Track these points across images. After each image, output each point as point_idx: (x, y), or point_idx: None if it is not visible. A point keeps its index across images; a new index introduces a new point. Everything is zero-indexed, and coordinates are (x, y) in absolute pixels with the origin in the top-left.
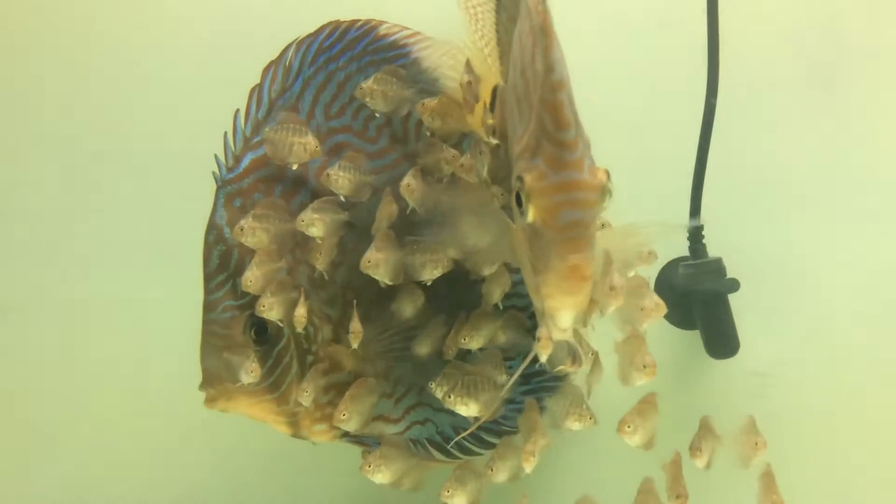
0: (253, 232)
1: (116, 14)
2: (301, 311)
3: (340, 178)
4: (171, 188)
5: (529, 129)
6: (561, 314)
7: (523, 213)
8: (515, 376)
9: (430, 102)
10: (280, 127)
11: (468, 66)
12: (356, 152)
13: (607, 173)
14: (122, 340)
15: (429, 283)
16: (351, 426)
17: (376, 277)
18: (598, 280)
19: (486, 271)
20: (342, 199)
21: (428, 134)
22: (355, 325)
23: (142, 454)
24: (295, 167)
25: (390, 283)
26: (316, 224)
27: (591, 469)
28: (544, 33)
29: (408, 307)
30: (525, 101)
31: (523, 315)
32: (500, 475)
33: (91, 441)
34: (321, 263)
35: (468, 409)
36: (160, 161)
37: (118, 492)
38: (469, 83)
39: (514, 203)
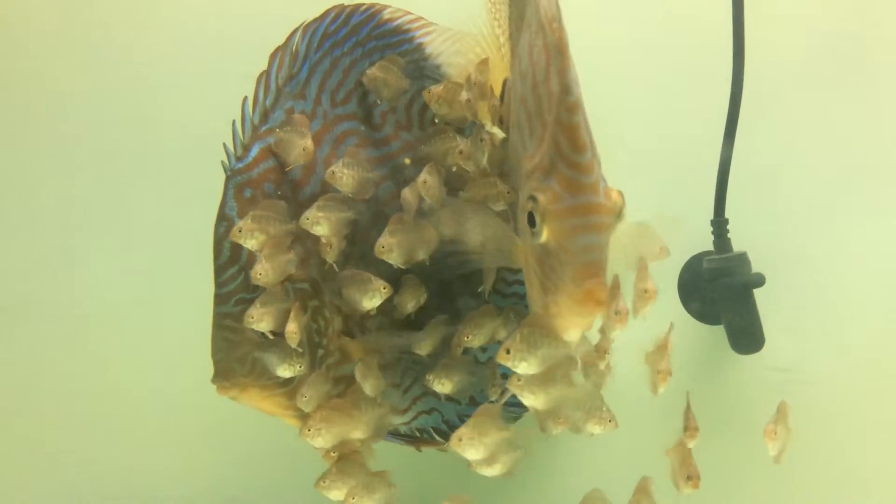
0: (251, 234)
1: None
2: (293, 327)
3: (345, 176)
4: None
5: (543, 149)
6: (570, 332)
7: (536, 234)
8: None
9: (437, 89)
10: (288, 128)
11: (481, 67)
12: (357, 147)
13: (621, 195)
14: (132, 338)
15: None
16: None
17: (390, 262)
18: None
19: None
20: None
21: (435, 121)
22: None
23: (161, 448)
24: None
25: (403, 266)
26: (321, 222)
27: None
28: (560, 53)
29: (410, 302)
30: (538, 119)
31: (524, 309)
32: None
33: (109, 436)
34: (331, 256)
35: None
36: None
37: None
38: (475, 83)
39: (524, 221)
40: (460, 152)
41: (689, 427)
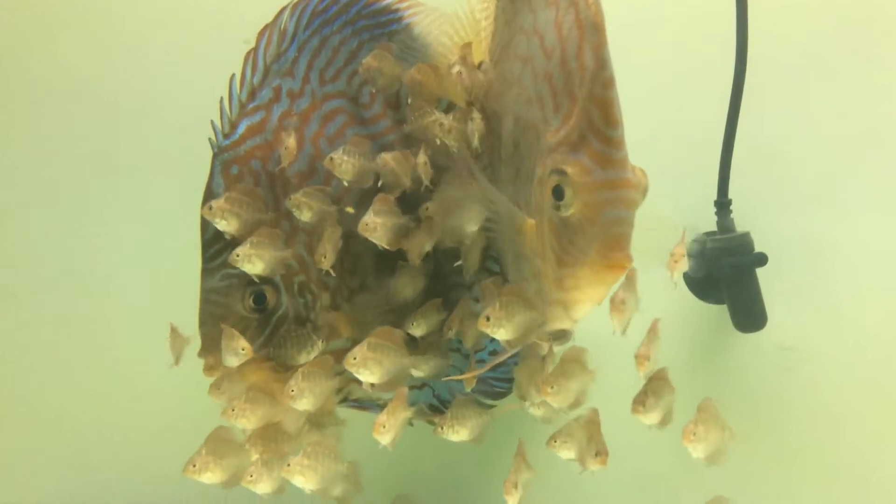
0: (222, 214)
1: None
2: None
3: (344, 164)
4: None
5: (571, 123)
6: (581, 307)
7: (563, 206)
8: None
9: (409, 72)
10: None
11: (463, 55)
12: (345, 126)
13: (644, 173)
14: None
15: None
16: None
17: (374, 241)
18: None
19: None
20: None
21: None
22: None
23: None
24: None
25: (388, 247)
26: (303, 208)
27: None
28: (596, 29)
29: (408, 289)
30: (565, 94)
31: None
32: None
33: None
34: (326, 264)
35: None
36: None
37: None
38: (459, 73)
39: (541, 196)
40: (441, 125)
41: (601, 452)
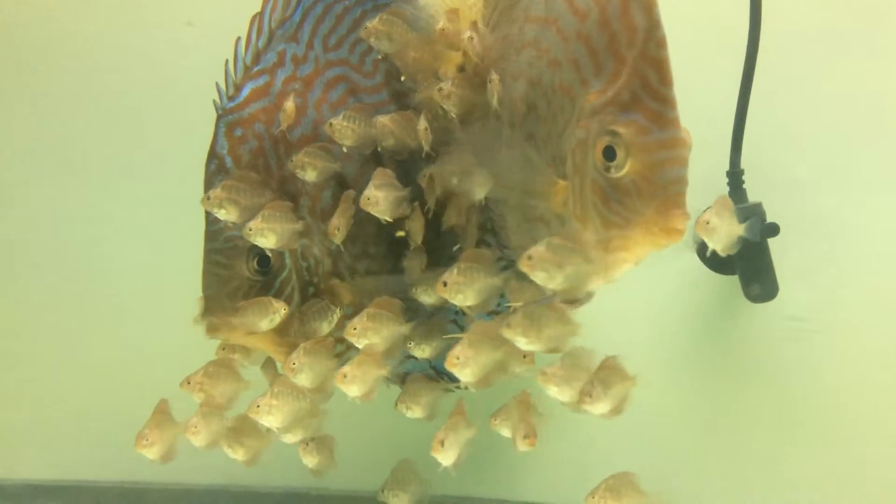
0: (220, 203)
1: None
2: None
3: (344, 129)
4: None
5: (619, 84)
6: (623, 266)
7: (616, 167)
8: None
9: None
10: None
11: (450, 15)
12: (347, 94)
13: (688, 132)
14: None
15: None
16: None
17: (375, 214)
18: None
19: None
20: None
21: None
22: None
23: None
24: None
25: (389, 219)
26: (307, 168)
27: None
28: None
29: (416, 268)
30: (609, 54)
31: None
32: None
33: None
34: (338, 238)
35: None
36: None
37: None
38: (443, 31)
39: (589, 156)
40: (440, 90)
41: (528, 434)
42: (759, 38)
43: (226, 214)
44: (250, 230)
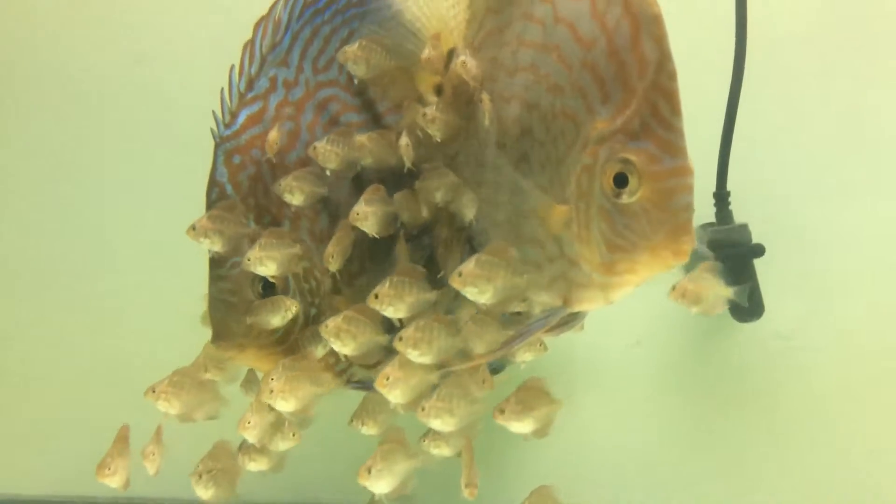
0: (205, 233)
1: None
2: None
3: (328, 152)
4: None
5: (629, 113)
6: (626, 289)
7: (627, 193)
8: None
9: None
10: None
11: (434, 41)
12: (339, 113)
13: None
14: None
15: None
16: (284, 406)
17: (364, 230)
18: None
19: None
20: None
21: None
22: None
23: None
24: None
25: (377, 235)
26: (294, 192)
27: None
28: (656, 21)
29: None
30: (618, 84)
31: None
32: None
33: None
34: (334, 266)
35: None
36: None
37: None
38: (428, 59)
39: (596, 181)
40: (424, 115)
41: (470, 484)
42: (744, 63)
43: (210, 244)
44: (249, 260)
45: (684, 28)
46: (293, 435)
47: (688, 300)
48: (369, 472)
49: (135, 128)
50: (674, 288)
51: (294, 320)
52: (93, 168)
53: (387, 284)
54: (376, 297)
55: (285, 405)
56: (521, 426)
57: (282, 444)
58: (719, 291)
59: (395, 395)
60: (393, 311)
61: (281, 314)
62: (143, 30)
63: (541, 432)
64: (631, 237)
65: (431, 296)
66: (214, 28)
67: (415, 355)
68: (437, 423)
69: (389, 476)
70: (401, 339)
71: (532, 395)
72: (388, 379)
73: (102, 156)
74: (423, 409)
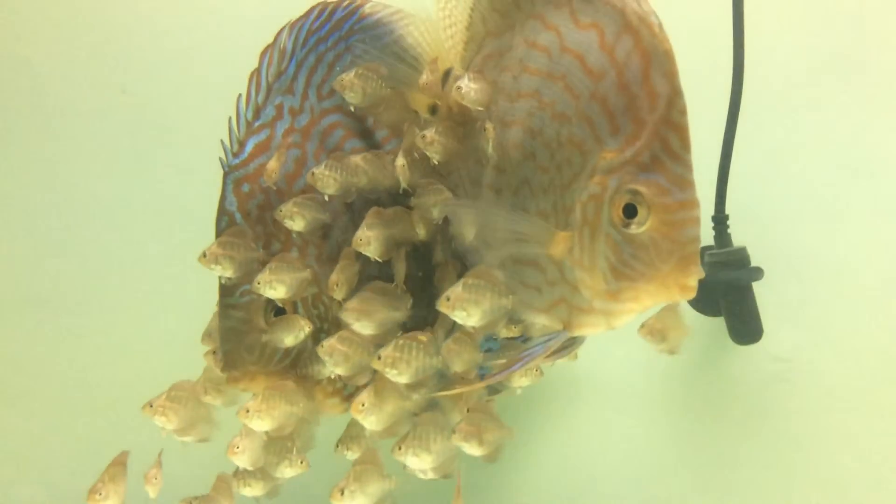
0: (215, 259)
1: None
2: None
3: (325, 178)
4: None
5: (638, 145)
6: (629, 316)
7: (636, 223)
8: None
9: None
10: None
11: (432, 66)
12: (343, 139)
13: None
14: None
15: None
16: (259, 426)
17: (367, 254)
18: None
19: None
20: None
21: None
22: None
23: None
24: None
25: (380, 259)
26: (295, 218)
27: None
28: (667, 57)
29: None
30: (628, 117)
31: None
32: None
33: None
34: (339, 294)
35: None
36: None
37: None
38: (426, 84)
39: (604, 210)
40: (423, 137)
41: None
42: (742, 86)
43: (222, 270)
44: (259, 283)
45: (682, 53)
46: (301, 462)
47: (654, 338)
48: (342, 493)
49: (121, 156)
50: (643, 326)
51: (303, 347)
52: (78, 191)
53: (356, 301)
54: (346, 310)
55: (261, 424)
56: (471, 448)
57: (288, 471)
58: (682, 332)
59: (370, 421)
60: (361, 327)
61: (294, 333)
62: (129, 60)
63: (490, 458)
64: (638, 267)
65: (400, 315)
66: (202, 57)
67: (393, 374)
68: (413, 462)
69: (362, 497)
70: (379, 357)
71: (483, 418)
72: (363, 405)
73: (87, 181)
74: (399, 448)
